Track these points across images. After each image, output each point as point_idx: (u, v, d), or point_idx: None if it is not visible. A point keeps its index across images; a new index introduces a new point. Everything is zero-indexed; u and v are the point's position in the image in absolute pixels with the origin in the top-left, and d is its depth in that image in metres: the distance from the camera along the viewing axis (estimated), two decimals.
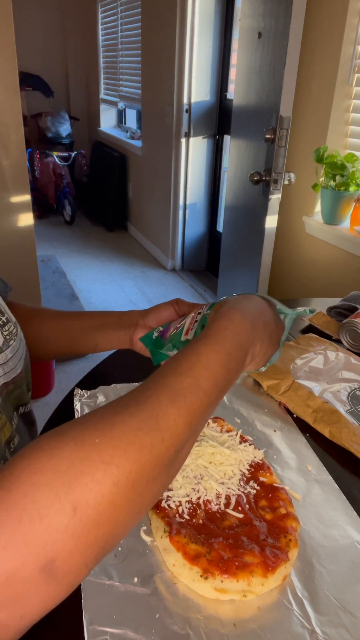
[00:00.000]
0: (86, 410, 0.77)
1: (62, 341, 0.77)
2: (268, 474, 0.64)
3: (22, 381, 0.66)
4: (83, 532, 0.30)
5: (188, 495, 0.59)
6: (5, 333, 0.61)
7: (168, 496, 0.59)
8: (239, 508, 0.58)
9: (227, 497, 0.59)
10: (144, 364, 0.93)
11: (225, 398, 0.83)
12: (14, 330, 0.64)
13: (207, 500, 0.58)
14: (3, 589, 0.28)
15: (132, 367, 0.92)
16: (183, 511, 0.57)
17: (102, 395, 0.80)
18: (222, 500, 0.59)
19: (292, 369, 0.90)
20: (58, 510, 0.29)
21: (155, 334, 0.70)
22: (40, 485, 0.29)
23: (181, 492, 0.59)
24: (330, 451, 0.73)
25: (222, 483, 0.61)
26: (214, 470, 0.62)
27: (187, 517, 0.56)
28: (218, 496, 0.59)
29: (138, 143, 4.31)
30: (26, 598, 0.29)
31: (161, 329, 0.70)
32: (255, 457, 0.66)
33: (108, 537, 0.31)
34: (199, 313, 0.63)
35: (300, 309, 0.63)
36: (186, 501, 0.58)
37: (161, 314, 0.71)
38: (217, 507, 0.58)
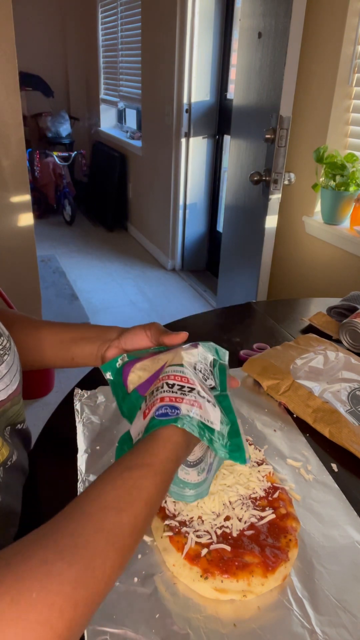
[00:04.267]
0: (86, 411, 0.77)
1: (37, 352, 0.72)
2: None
3: (19, 398, 0.62)
4: None
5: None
6: None
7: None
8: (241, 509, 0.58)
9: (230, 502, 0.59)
10: None
11: None
12: (7, 345, 0.60)
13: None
14: None
15: None
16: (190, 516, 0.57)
17: (102, 395, 0.80)
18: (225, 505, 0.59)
19: (292, 369, 0.90)
20: None
21: (120, 362, 0.66)
22: None
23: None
24: (330, 451, 0.73)
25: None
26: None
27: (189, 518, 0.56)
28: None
29: (138, 143, 4.31)
30: None
31: (127, 359, 0.66)
32: (256, 458, 0.66)
33: None
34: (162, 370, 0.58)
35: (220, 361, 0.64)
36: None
37: (135, 338, 0.68)
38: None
